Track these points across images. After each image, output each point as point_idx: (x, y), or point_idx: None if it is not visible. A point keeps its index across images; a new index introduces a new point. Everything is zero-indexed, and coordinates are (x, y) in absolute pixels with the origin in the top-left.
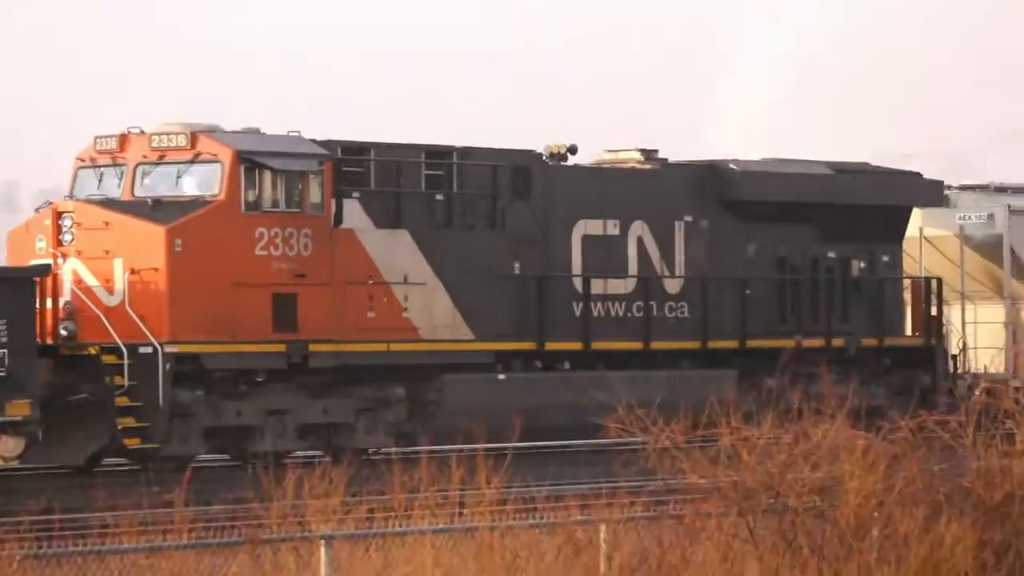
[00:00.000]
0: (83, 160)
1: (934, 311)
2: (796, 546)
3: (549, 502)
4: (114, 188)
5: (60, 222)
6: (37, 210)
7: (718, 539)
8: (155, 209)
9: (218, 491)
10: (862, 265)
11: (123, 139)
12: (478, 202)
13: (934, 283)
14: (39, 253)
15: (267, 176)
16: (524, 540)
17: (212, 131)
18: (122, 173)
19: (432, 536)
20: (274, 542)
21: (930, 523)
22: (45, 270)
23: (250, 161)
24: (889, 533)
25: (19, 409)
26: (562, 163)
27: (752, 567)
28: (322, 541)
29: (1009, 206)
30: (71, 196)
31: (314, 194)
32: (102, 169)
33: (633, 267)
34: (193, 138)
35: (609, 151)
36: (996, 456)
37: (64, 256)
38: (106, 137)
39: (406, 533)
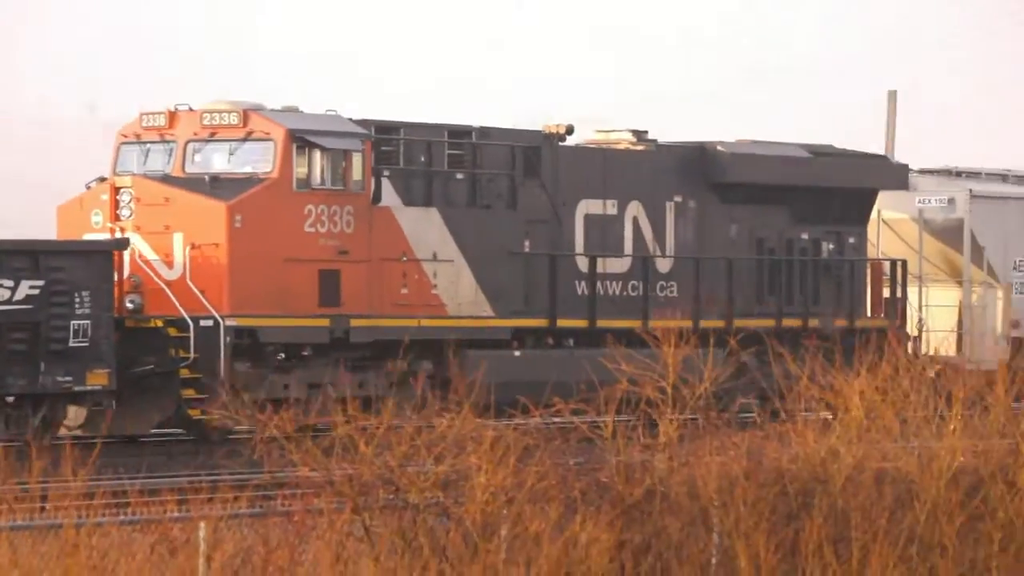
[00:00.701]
0: (126, 136)
1: (899, 293)
2: (416, 546)
3: (143, 497)
4: (162, 164)
5: (118, 197)
6: (88, 186)
7: (330, 538)
8: (213, 185)
9: None
10: (830, 247)
11: (172, 116)
12: (496, 181)
13: (899, 265)
14: (95, 227)
15: (316, 154)
16: (115, 539)
17: (259, 109)
18: (171, 150)
19: (10, 534)
20: None
21: (564, 522)
22: (124, 243)
23: (301, 139)
24: (519, 532)
25: (98, 379)
26: (561, 144)
27: (367, 568)
28: None
29: (971, 191)
30: (114, 171)
31: (356, 172)
32: (148, 145)
33: (629, 247)
34: (245, 116)
35: (600, 131)
36: (637, 450)
37: (122, 231)
38: (153, 114)
39: None
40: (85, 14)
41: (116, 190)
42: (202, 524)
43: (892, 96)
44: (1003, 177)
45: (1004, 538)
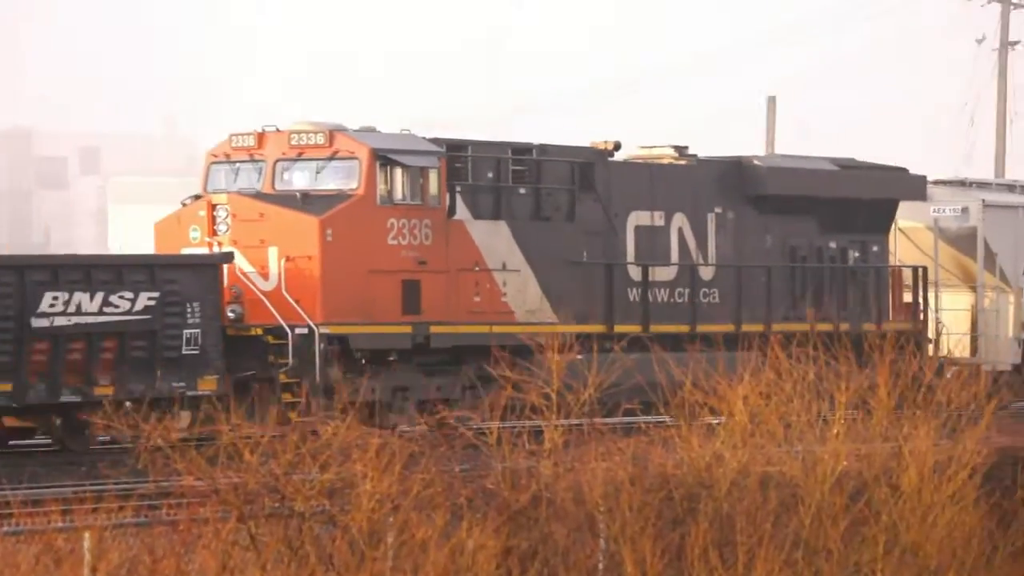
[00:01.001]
0: (216, 156)
1: (921, 298)
2: (303, 554)
3: (26, 507)
4: (252, 182)
5: (215, 213)
6: (184, 203)
7: (216, 547)
8: (304, 202)
9: None
10: (856, 255)
11: (260, 137)
12: (555, 195)
13: (920, 272)
14: (192, 242)
15: (397, 171)
16: None
17: (342, 129)
18: (261, 168)
19: None
20: None
21: (450, 529)
22: (230, 257)
23: (384, 158)
24: (405, 540)
25: (208, 384)
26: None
27: None
28: None
29: (984, 200)
30: (204, 189)
31: (433, 187)
32: (238, 164)
33: (675, 255)
34: (331, 136)
35: (643, 147)
36: (523, 456)
37: (219, 245)
38: (243, 135)
39: None
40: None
41: (213, 207)
42: (87, 534)
43: (771, 102)
44: (1010, 187)
45: (888, 541)
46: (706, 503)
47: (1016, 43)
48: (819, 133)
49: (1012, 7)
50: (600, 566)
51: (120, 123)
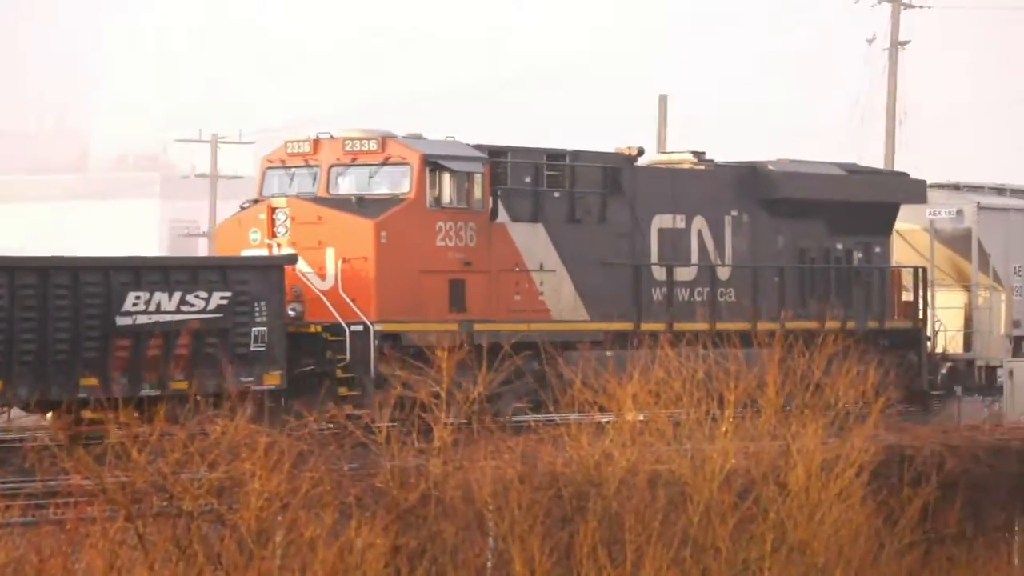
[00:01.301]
0: (272, 161)
1: (920, 298)
2: (191, 553)
3: None
4: (307, 187)
5: (274, 216)
6: (243, 207)
7: (104, 546)
8: (360, 205)
9: None
10: (859, 256)
11: (315, 143)
12: (587, 199)
13: (920, 272)
14: (253, 244)
15: (446, 177)
16: None
17: (392, 136)
18: (315, 174)
19: None
20: None
21: (339, 527)
22: (294, 259)
23: (433, 164)
24: (294, 538)
25: (273, 379)
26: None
27: None
28: None
29: (978, 203)
30: (261, 194)
31: (477, 192)
32: (293, 170)
33: (695, 256)
34: (383, 143)
35: (664, 153)
36: (412, 454)
37: (279, 246)
38: (298, 142)
39: None
40: None
41: (272, 210)
42: None
43: (663, 100)
44: (999, 191)
45: (776, 539)
46: (595, 501)
47: (906, 43)
48: (711, 131)
49: (902, 7)
50: (489, 564)
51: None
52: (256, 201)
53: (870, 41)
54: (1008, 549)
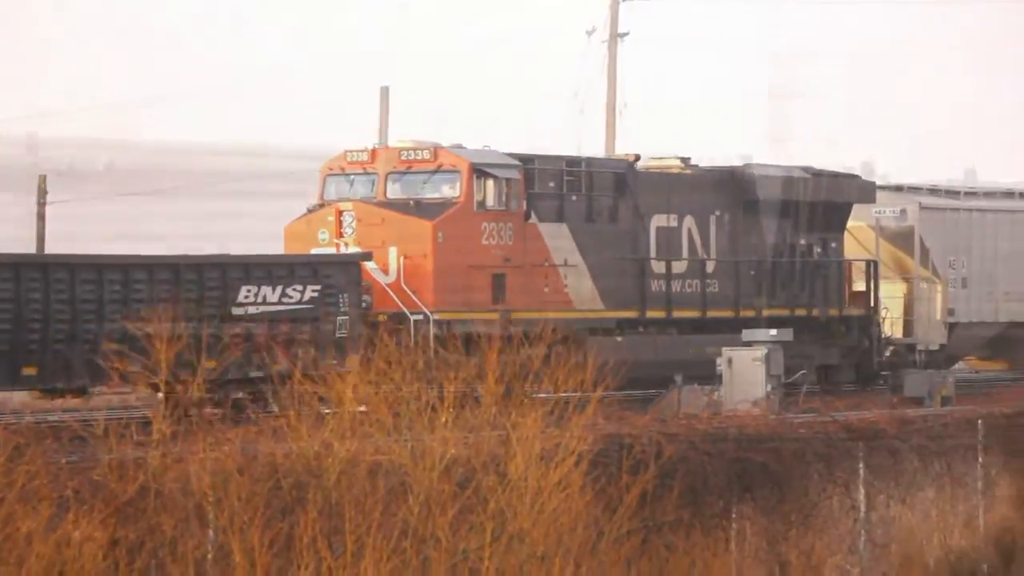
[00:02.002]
0: (332, 169)
1: (872, 288)
2: None
3: None
4: (365, 192)
5: (342, 218)
6: (310, 210)
7: None
8: (417, 208)
9: None
10: (818, 250)
11: (373, 153)
12: (600, 201)
13: (872, 265)
14: (321, 243)
15: (490, 182)
16: None
17: (441, 146)
18: (373, 180)
19: None
20: None
21: (56, 521)
22: (369, 256)
23: (480, 171)
24: (10, 532)
25: (353, 363)
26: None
27: None
28: None
29: (920, 203)
30: (323, 198)
31: (514, 195)
32: (352, 176)
33: (685, 252)
34: (435, 152)
35: (653, 158)
36: (130, 446)
37: (346, 245)
38: (357, 151)
39: None
40: None
41: (340, 212)
42: None
43: (385, 92)
44: (933, 191)
45: (496, 528)
46: (315, 492)
47: (625, 35)
48: (439, 122)
49: (621, 0)
50: (209, 556)
51: None
52: (321, 205)
53: (589, 33)
54: (725, 535)
